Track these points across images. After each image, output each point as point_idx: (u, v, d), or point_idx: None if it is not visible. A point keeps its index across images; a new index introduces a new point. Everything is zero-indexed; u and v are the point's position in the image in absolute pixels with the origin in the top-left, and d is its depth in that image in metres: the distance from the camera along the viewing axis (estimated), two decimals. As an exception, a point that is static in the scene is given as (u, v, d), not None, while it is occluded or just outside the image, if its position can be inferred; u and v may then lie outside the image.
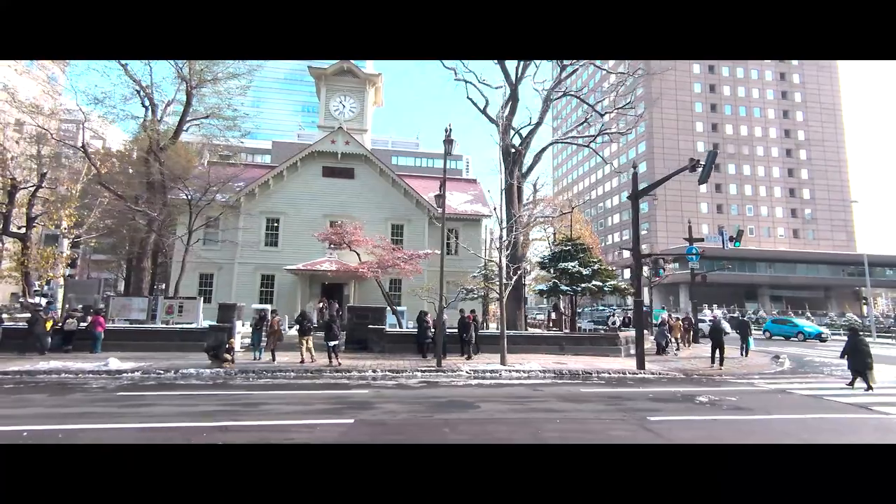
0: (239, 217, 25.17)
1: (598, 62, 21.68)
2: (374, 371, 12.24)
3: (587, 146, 22.11)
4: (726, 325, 21.71)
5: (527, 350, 16.71)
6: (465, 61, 22.40)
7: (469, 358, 15.05)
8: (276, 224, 26.81)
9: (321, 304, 25.14)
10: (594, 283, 17.56)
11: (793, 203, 70.10)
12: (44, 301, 19.70)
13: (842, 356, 10.99)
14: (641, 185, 14.56)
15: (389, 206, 28.18)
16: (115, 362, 11.84)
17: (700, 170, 11.65)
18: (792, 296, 62.17)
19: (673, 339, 18.17)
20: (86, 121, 16.78)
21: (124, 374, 11.09)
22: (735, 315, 37.36)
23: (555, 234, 29.42)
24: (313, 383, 10.61)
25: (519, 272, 15.67)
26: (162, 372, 11.43)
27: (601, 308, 43.12)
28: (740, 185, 69.39)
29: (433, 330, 15.74)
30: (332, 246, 26.04)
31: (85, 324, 14.79)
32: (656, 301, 49.41)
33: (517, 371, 12.84)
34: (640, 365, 13.50)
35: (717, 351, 13.78)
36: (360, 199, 27.75)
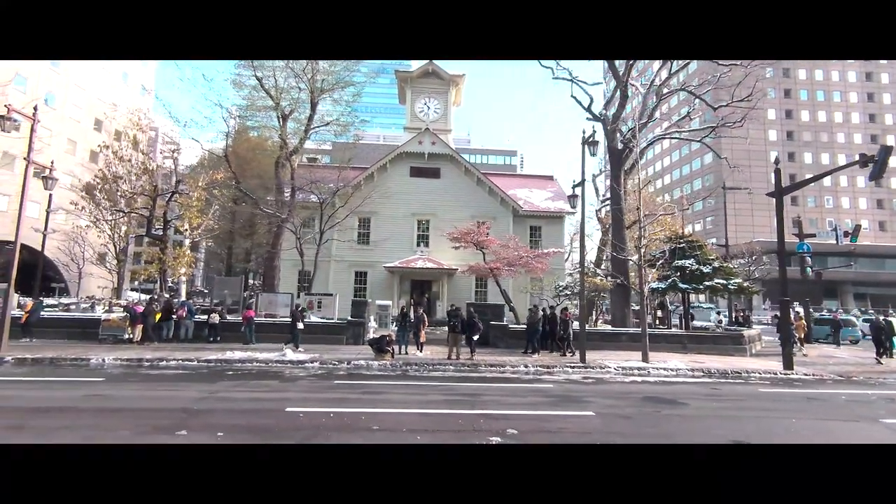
0: (334, 217, 26.51)
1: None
2: (525, 366, 12.74)
3: (699, 141, 21.63)
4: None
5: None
6: (560, 60, 22.47)
7: (564, 356, 15.07)
8: (367, 223, 27.77)
9: (412, 300, 26.20)
10: (717, 281, 17.29)
11: (878, 193, 64.94)
12: (159, 295, 21.69)
13: None
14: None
15: (474, 204, 28.53)
16: (290, 353, 12.99)
17: (872, 166, 11.29)
18: (879, 293, 57.88)
19: (797, 339, 17.58)
20: (228, 133, 18.26)
21: (307, 364, 12.16)
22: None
23: (640, 230, 28.86)
24: (483, 377, 11.24)
25: (649, 272, 15.65)
26: (336, 363, 12.43)
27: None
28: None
29: (547, 326, 16.18)
30: (423, 245, 27.09)
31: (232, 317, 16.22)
32: (722, 301, 47.29)
33: (664, 369, 12.96)
34: (788, 365, 13.26)
35: (881, 349, 13.40)
36: (445, 197, 28.31)
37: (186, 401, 7.46)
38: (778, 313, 20.00)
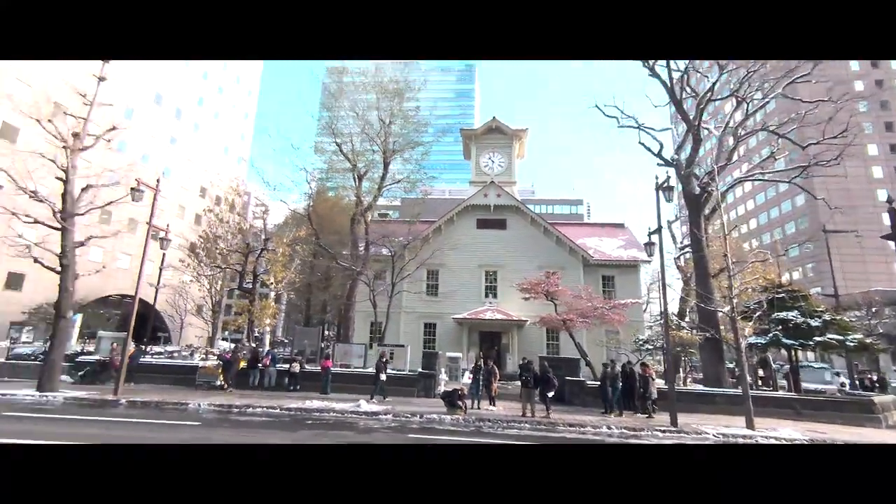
0: (404, 269, 27.32)
1: (791, 95, 19.86)
2: (608, 428, 11.74)
3: (789, 182, 19.98)
4: None
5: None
6: (623, 108, 22.35)
7: (651, 417, 13.84)
8: (436, 275, 28.13)
9: (481, 353, 25.63)
10: (830, 336, 15.11)
11: None
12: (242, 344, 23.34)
13: None
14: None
15: (542, 255, 28.09)
16: (364, 405, 13.13)
17: None
18: None
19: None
20: (310, 195, 20.21)
21: (380, 416, 12.17)
22: None
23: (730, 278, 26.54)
24: (563, 438, 10.49)
25: (744, 325, 14.15)
26: (409, 416, 12.31)
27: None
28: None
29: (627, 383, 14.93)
30: (492, 296, 26.86)
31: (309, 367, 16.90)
32: (840, 362, 40.55)
33: (776, 438, 11.30)
34: (944, 441, 10.93)
35: None
36: (512, 248, 28.27)
37: (272, 448, 7.72)
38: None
